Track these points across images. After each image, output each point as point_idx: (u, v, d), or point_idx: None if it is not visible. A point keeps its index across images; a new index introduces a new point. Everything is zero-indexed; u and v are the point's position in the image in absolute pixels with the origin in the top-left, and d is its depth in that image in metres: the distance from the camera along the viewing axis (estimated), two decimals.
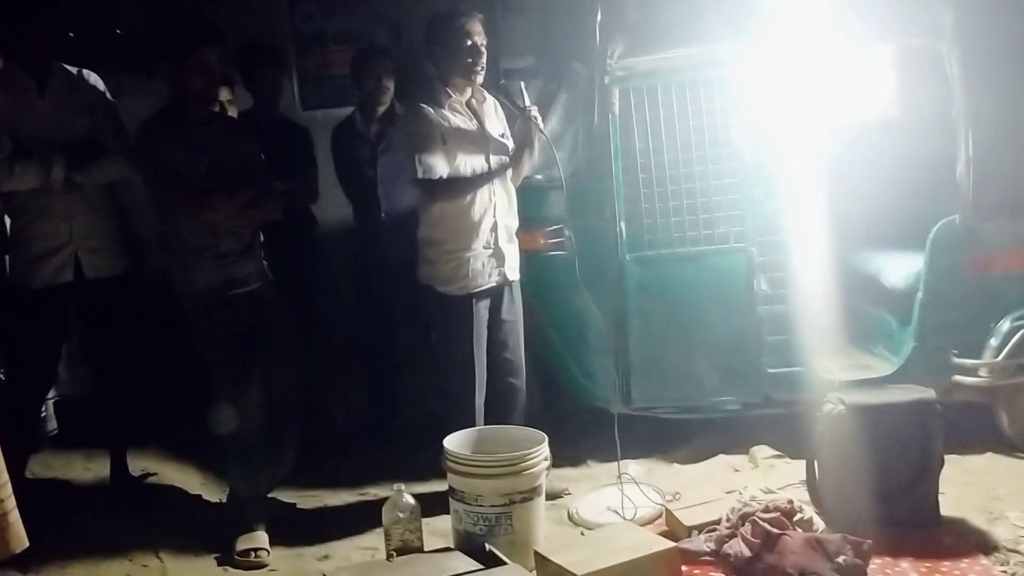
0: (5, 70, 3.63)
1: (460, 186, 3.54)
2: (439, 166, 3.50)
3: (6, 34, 3.59)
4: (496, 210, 3.60)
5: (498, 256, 3.61)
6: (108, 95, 3.80)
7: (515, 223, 3.69)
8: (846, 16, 3.76)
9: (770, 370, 3.82)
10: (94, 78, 3.78)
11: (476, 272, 3.58)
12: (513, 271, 3.68)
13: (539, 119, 3.56)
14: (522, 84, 3.63)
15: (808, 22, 3.72)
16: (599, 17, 3.84)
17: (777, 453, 3.81)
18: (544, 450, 3.28)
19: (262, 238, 3.64)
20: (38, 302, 3.62)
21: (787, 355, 3.78)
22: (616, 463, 3.55)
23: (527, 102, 3.56)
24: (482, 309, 3.61)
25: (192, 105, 3.41)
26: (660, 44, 3.94)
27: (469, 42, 3.48)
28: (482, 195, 3.57)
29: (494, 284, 3.62)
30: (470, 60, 3.50)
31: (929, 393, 3.24)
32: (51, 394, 4.24)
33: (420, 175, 3.51)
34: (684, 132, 3.85)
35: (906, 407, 3.21)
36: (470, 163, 3.55)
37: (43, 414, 4.19)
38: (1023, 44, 3.62)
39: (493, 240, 3.60)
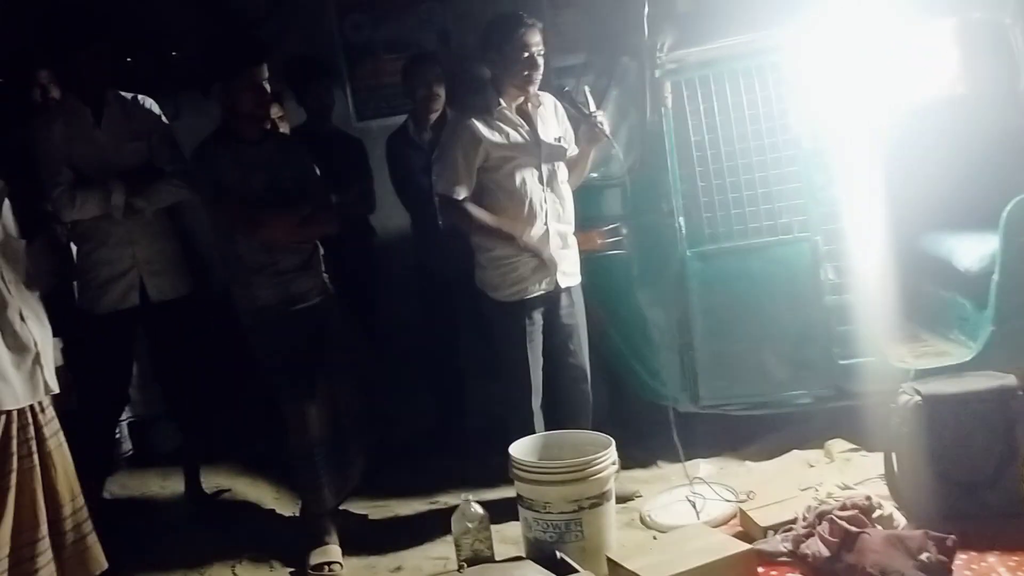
0: (62, 101, 3.70)
1: (472, 221, 3.51)
2: (459, 186, 3.48)
3: (61, 65, 3.66)
4: (547, 216, 3.55)
5: (549, 264, 3.56)
6: (164, 119, 3.86)
7: (569, 228, 3.65)
8: None
9: (841, 361, 3.71)
10: (149, 103, 3.84)
11: (525, 278, 3.54)
12: (568, 277, 3.63)
13: (605, 124, 3.50)
14: (587, 89, 3.57)
15: (862, 1, 3.62)
16: (647, 9, 3.77)
17: (853, 447, 3.69)
18: (611, 454, 3.23)
19: (322, 252, 3.67)
20: (106, 326, 3.69)
21: (858, 345, 3.67)
22: (688, 463, 3.50)
23: (592, 107, 3.50)
24: (535, 315, 3.58)
25: (244, 124, 3.46)
26: (710, 34, 3.86)
27: (526, 53, 3.42)
28: (532, 200, 3.53)
29: (546, 291, 3.58)
30: (526, 72, 3.45)
31: (1010, 379, 3.12)
32: (125, 416, 4.33)
33: (438, 189, 3.51)
34: (740, 122, 3.76)
35: (985, 395, 3.10)
36: (519, 173, 3.51)
37: (117, 436, 4.27)
38: None
39: (545, 247, 3.54)
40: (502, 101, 3.52)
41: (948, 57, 4.06)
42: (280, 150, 3.59)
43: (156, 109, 3.85)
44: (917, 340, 3.89)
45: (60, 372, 3.20)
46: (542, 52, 3.47)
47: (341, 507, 3.71)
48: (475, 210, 3.51)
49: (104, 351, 3.71)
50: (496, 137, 3.49)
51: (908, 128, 3.96)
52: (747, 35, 3.79)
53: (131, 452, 4.49)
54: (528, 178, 3.53)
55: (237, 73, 3.37)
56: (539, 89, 3.57)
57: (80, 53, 3.59)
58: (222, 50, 3.51)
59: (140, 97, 3.82)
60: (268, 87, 3.45)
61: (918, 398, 3.14)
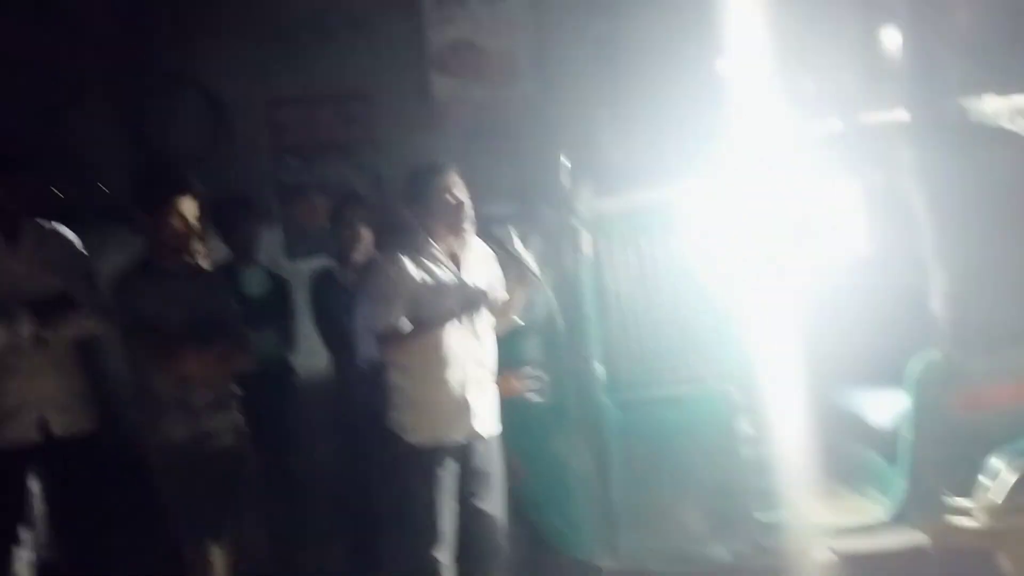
0: None
1: (414, 339, 3.50)
2: (393, 314, 3.47)
3: None
4: (468, 362, 3.54)
5: (465, 409, 3.54)
6: (82, 251, 3.81)
7: (489, 374, 3.64)
8: (809, 153, 3.82)
9: (759, 517, 3.68)
10: (69, 234, 3.80)
11: (441, 423, 3.50)
12: (484, 424, 3.60)
13: (531, 263, 3.56)
14: (512, 230, 3.64)
15: (772, 159, 3.78)
16: (565, 161, 3.89)
17: None
18: None
19: (237, 391, 3.60)
20: (1, 462, 3.53)
21: (775, 500, 3.65)
22: None
23: (518, 248, 3.55)
24: (449, 461, 3.53)
25: (167, 255, 3.44)
26: (629, 185, 3.98)
27: (449, 197, 3.50)
28: (450, 344, 3.52)
29: (462, 438, 3.54)
30: (453, 214, 3.51)
31: (921, 539, 3.12)
32: (29, 555, 4.06)
33: (379, 327, 3.51)
34: (657, 272, 3.84)
35: (898, 555, 3.09)
36: (439, 315, 3.51)
37: None
38: (984, 177, 3.65)
39: (461, 392, 3.53)
40: (433, 242, 3.55)
41: (855, 218, 4.24)
42: (200, 284, 3.57)
43: (75, 240, 3.81)
44: (834, 496, 3.89)
45: None
46: (465, 194, 3.54)
47: None
48: (410, 332, 3.49)
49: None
50: (421, 275, 3.51)
51: (819, 284, 4.07)
52: (665, 188, 3.92)
53: None
54: (450, 322, 3.53)
55: (163, 203, 3.37)
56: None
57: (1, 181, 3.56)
58: (148, 179, 3.54)
59: (59, 227, 3.78)
60: (193, 218, 3.44)
61: (833, 556, 3.11)
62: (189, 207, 3.43)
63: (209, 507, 3.40)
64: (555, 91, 5.52)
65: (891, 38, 4.98)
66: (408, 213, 3.66)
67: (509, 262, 3.62)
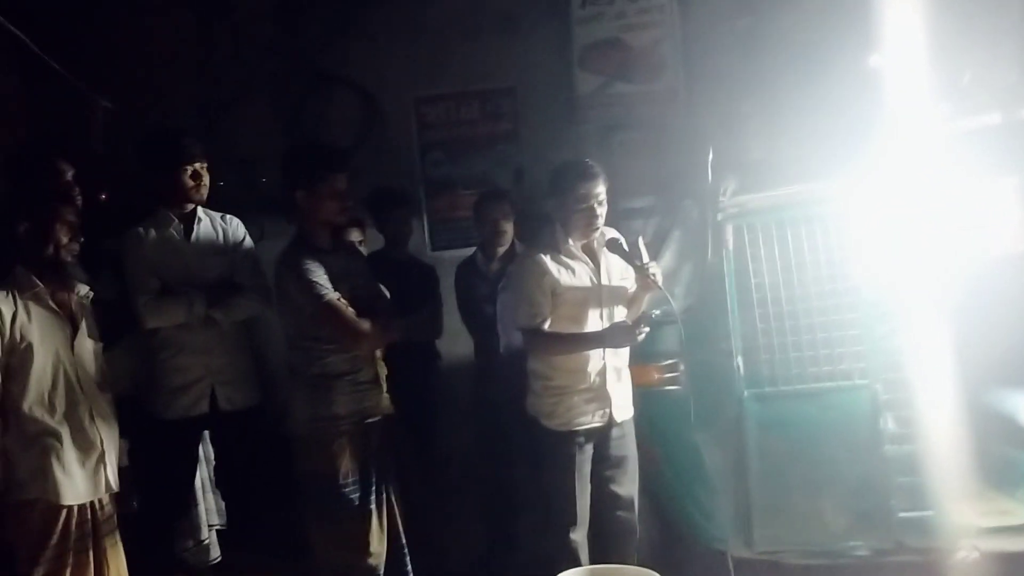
0: (158, 214, 3.94)
1: (560, 344, 3.58)
2: (540, 316, 3.56)
3: (160, 181, 3.91)
4: (606, 351, 3.61)
5: (603, 397, 3.61)
6: (248, 238, 4.07)
7: (624, 363, 3.70)
8: (963, 149, 3.72)
9: (900, 514, 3.62)
10: (236, 222, 4.06)
11: (579, 410, 3.59)
12: (621, 410, 3.67)
13: (658, 276, 3.56)
14: (640, 241, 3.66)
15: (924, 155, 3.70)
16: (711, 156, 3.91)
17: None
18: None
19: (386, 371, 3.75)
20: (173, 432, 3.80)
21: (918, 498, 3.59)
22: None
23: (645, 259, 3.57)
24: (585, 445, 3.60)
25: (320, 233, 3.56)
26: (774, 181, 3.97)
27: (585, 204, 3.54)
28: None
29: (599, 424, 3.61)
30: (586, 220, 3.57)
31: None
32: (216, 521, 4.34)
33: (521, 323, 3.59)
34: (801, 267, 3.81)
35: None
36: (582, 311, 3.60)
37: (206, 542, 4.26)
38: None
39: (600, 381, 3.61)
40: (569, 239, 3.63)
41: (1012, 215, 4.10)
42: (352, 258, 3.70)
43: (242, 228, 4.06)
44: (981, 497, 3.77)
45: (124, 473, 3.31)
46: (602, 201, 3.57)
47: None
48: (555, 334, 3.58)
49: (169, 456, 3.82)
50: (562, 273, 3.59)
51: (974, 283, 3.96)
52: (810, 183, 3.89)
53: (219, 560, 4.46)
54: (589, 314, 3.61)
55: (320, 179, 3.48)
56: (607, 226, 3.68)
57: (180, 171, 3.83)
58: (303, 158, 3.61)
59: (227, 216, 4.04)
60: (347, 195, 3.55)
61: (976, 555, 3.04)
62: (343, 184, 3.53)
63: (368, 479, 3.52)
64: (700, 86, 5.51)
65: None
66: (549, 208, 3.74)
67: (635, 271, 3.64)
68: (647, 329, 3.56)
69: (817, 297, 3.79)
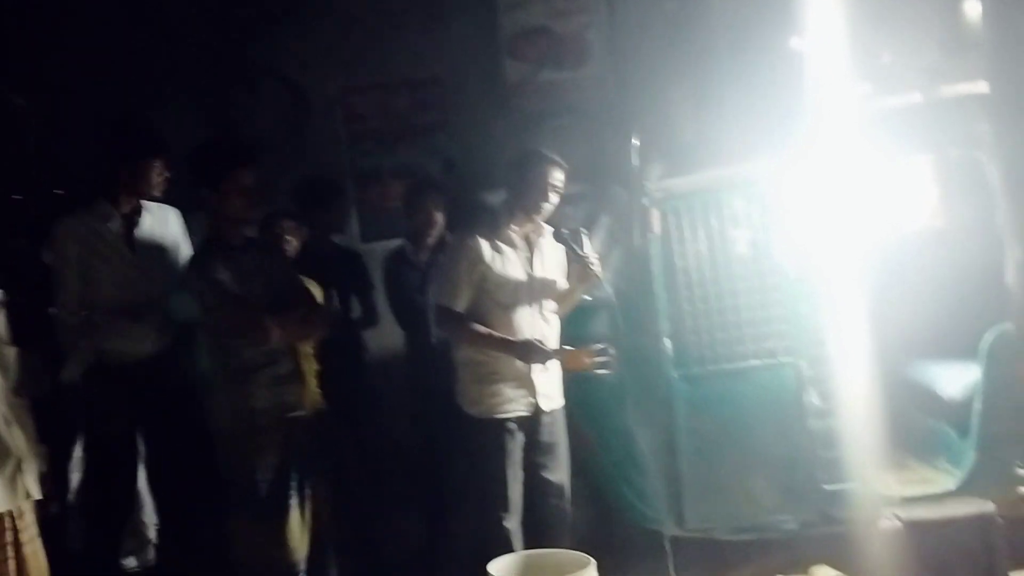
0: (91, 207, 3.81)
1: (473, 338, 3.61)
2: (459, 299, 3.58)
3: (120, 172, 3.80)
4: (533, 340, 3.63)
5: (528, 386, 3.64)
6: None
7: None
8: (883, 128, 3.80)
9: (826, 487, 3.69)
10: (173, 214, 4.00)
11: (502, 397, 3.61)
12: (547, 399, 3.70)
13: (598, 267, 3.63)
14: (583, 232, 3.71)
15: (845, 134, 3.76)
16: (636, 140, 3.94)
17: (839, 573, 3.64)
18: (590, 575, 3.21)
19: (317, 366, 3.73)
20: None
21: (843, 471, 3.66)
22: None
23: (587, 250, 3.63)
24: (516, 433, 3.63)
25: (231, 229, 3.51)
26: (697, 163, 4.02)
27: (546, 182, 3.60)
28: (520, 324, 3.63)
29: (523, 412, 3.64)
30: (542, 202, 3.62)
31: (989, 507, 3.11)
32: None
33: (438, 300, 3.60)
34: (725, 249, 3.87)
35: (965, 522, 3.09)
36: (513, 301, 3.63)
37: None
38: None
39: (525, 370, 3.63)
40: (512, 224, 3.66)
41: (928, 192, 4.19)
42: (266, 254, 3.67)
43: (179, 222, 3.99)
44: (903, 467, 3.87)
45: (44, 479, 3.24)
46: (558, 188, 3.64)
47: None
48: (471, 323, 3.60)
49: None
50: (495, 259, 3.61)
51: (891, 258, 4.05)
52: (731, 166, 3.94)
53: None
54: (519, 303, 3.64)
55: (226, 176, 3.43)
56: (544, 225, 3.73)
57: (149, 164, 3.77)
58: (207, 154, 3.56)
59: (164, 207, 3.97)
60: (255, 190, 3.51)
61: (898, 523, 3.12)
62: (250, 178, 3.48)
63: (288, 477, 3.50)
64: (627, 72, 5.54)
65: (972, 8, 4.88)
66: (486, 196, 3.75)
67: (575, 260, 3.68)
68: (556, 361, 3.66)
69: (742, 278, 3.85)
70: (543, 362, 3.61)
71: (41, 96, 5.10)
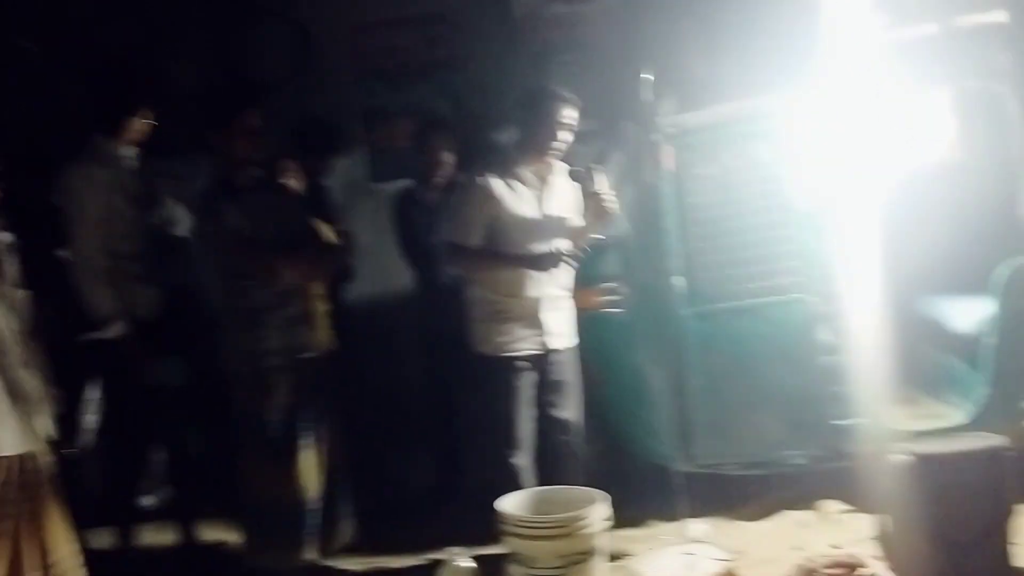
0: (102, 149, 3.79)
1: (482, 261, 3.60)
2: (471, 236, 3.57)
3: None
4: (542, 279, 3.63)
5: (537, 325, 3.64)
6: None
7: (564, 292, 3.72)
8: (899, 60, 3.72)
9: (835, 422, 3.70)
10: None
11: (512, 335, 3.62)
12: (557, 338, 3.69)
13: (613, 203, 3.59)
14: (596, 168, 3.67)
15: (860, 67, 3.69)
16: (648, 75, 3.88)
17: (847, 507, 3.68)
18: (600, 510, 3.24)
19: (327, 306, 3.73)
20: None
21: (853, 406, 3.65)
22: (680, 523, 3.49)
23: (601, 186, 3.59)
24: (525, 371, 3.64)
25: (240, 170, 3.50)
26: (709, 99, 3.96)
27: (556, 121, 3.56)
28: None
29: (533, 351, 3.64)
30: (554, 140, 3.58)
31: (999, 440, 3.11)
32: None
33: (449, 237, 3.59)
34: (736, 185, 3.83)
35: (975, 456, 3.08)
36: (522, 235, 3.61)
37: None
38: None
39: (534, 309, 3.63)
40: (523, 162, 3.63)
41: (944, 124, 4.12)
42: (276, 194, 3.66)
43: None
44: (913, 402, 3.87)
45: (60, 421, 3.27)
46: (569, 127, 3.59)
47: (327, 563, 3.71)
48: (481, 250, 3.60)
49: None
50: (508, 196, 3.59)
51: (904, 193, 3.98)
52: (744, 101, 3.88)
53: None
54: (532, 242, 3.62)
55: (232, 117, 3.42)
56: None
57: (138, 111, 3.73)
58: (213, 96, 3.55)
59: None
60: (262, 130, 3.49)
61: (909, 458, 3.12)
62: (257, 118, 3.46)
63: (300, 415, 3.52)
64: (638, 5, 5.43)
65: None
66: (497, 136, 3.71)
67: (590, 197, 3.64)
68: (574, 263, 3.63)
69: (753, 214, 3.82)
70: (556, 266, 3.59)
71: (48, 40, 5.05)
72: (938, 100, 4.15)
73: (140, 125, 3.75)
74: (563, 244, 3.70)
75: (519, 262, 3.58)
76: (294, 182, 4.26)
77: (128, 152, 3.79)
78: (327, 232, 3.75)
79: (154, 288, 3.80)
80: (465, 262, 3.65)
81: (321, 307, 3.74)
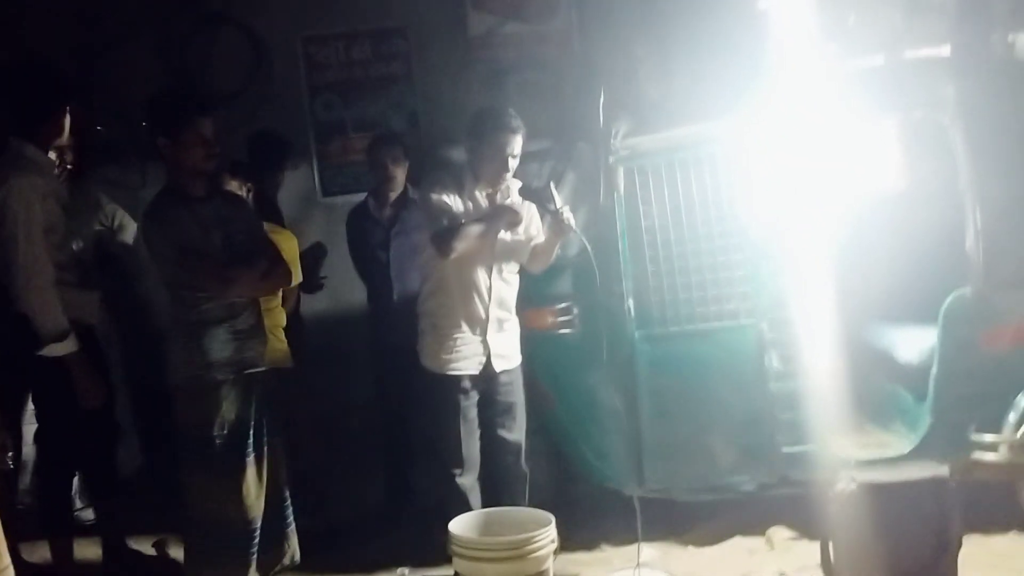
0: (27, 154, 3.65)
1: (467, 231, 3.54)
2: (453, 216, 3.54)
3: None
4: (491, 300, 3.64)
5: (484, 346, 3.64)
6: None
7: (509, 314, 3.72)
8: (848, 90, 3.79)
9: (784, 449, 3.73)
10: None
11: (457, 354, 3.62)
12: (502, 360, 3.69)
13: (571, 219, 3.58)
14: (552, 185, 3.64)
15: (810, 95, 3.75)
16: (602, 98, 3.89)
17: (795, 534, 3.71)
18: (549, 533, 3.23)
19: (285, 321, 3.67)
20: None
21: (801, 433, 3.70)
22: (630, 547, 3.49)
23: (558, 204, 3.57)
24: (470, 390, 3.63)
25: (190, 180, 3.41)
26: (664, 122, 3.99)
27: (503, 155, 3.55)
28: (479, 283, 3.62)
29: (475, 372, 3.64)
30: (498, 171, 3.59)
31: (942, 470, 3.15)
32: None
33: (432, 231, 3.55)
34: (690, 209, 3.86)
35: (918, 485, 3.10)
36: (472, 261, 3.60)
37: None
38: None
39: (482, 330, 3.63)
40: (477, 182, 3.63)
41: (891, 154, 4.20)
42: (229, 205, 3.58)
43: None
44: (860, 430, 3.92)
45: None
46: (516, 155, 3.58)
47: None
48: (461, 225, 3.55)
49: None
50: (462, 218, 3.57)
51: (852, 221, 4.06)
52: (697, 125, 3.91)
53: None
54: (479, 263, 3.62)
55: (184, 125, 3.33)
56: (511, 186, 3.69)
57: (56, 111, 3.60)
58: (164, 103, 3.45)
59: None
60: (214, 140, 3.39)
61: (854, 486, 3.15)
62: (209, 128, 3.37)
63: (244, 432, 3.43)
64: (594, 27, 5.47)
65: None
66: (452, 152, 3.69)
67: (547, 215, 3.64)
68: (514, 321, 3.69)
69: (705, 238, 3.85)
70: (516, 222, 3.61)
71: None
72: (884, 130, 4.23)
73: (63, 128, 3.62)
74: (511, 267, 3.70)
75: (487, 225, 3.57)
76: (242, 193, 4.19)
77: (53, 156, 3.68)
78: (290, 245, 3.69)
79: (93, 294, 3.70)
80: (452, 238, 3.53)
81: (279, 320, 3.67)
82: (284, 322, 3.99)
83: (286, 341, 3.87)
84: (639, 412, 3.82)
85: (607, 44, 5.30)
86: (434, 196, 3.59)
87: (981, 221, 3.61)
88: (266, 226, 3.82)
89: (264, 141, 4.55)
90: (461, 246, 3.53)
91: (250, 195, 4.20)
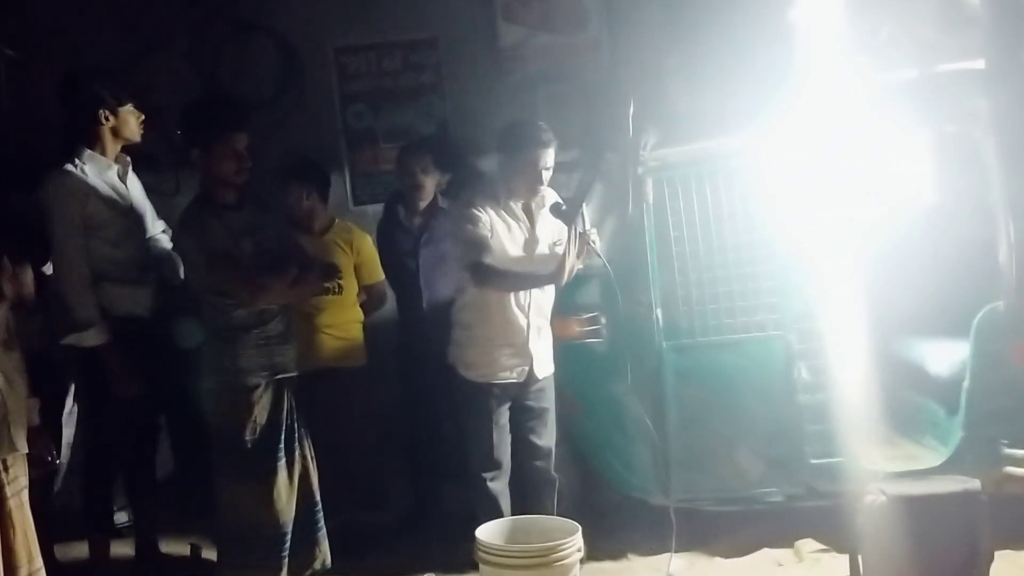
0: (83, 155, 3.75)
1: (506, 275, 3.58)
2: (485, 253, 3.56)
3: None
4: (531, 309, 3.65)
5: (524, 354, 3.65)
6: None
7: (546, 320, 3.74)
8: (880, 104, 3.78)
9: (812, 460, 3.73)
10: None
11: (500, 364, 3.63)
12: (542, 366, 3.70)
13: (597, 243, 3.58)
14: (584, 210, 3.65)
15: (843, 109, 3.75)
16: (632, 109, 3.91)
17: (823, 547, 3.69)
18: (576, 541, 3.23)
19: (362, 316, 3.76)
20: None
21: (830, 445, 3.69)
22: (656, 557, 3.48)
23: (586, 226, 3.58)
24: (504, 396, 3.64)
25: (224, 190, 3.48)
26: (694, 134, 4.00)
27: (534, 169, 3.56)
28: (518, 294, 3.63)
29: (516, 379, 3.65)
30: (530, 185, 3.60)
31: (974, 484, 3.13)
32: None
33: (468, 259, 3.56)
34: (719, 220, 3.87)
35: (949, 499, 3.10)
36: (511, 266, 3.61)
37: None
38: None
39: (523, 338, 3.64)
40: (511, 194, 3.64)
41: (923, 168, 4.19)
42: (261, 214, 3.63)
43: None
44: (889, 443, 3.90)
45: (36, 433, 3.22)
46: (550, 168, 3.59)
47: None
48: (506, 271, 3.58)
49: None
50: (497, 230, 3.60)
51: (884, 234, 4.05)
52: (727, 137, 3.92)
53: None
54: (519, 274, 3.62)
55: (218, 138, 3.39)
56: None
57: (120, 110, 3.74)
58: (203, 115, 3.51)
59: None
60: (247, 153, 3.46)
61: (884, 499, 3.14)
62: (243, 141, 3.44)
63: (276, 438, 3.48)
64: (624, 38, 5.48)
65: None
66: (483, 162, 3.71)
67: (576, 237, 3.63)
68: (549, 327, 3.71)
69: (734, 249, 3.86)
70: (567, 275, 3.56)
71: (31, 49, 5.01)
72: (917, 144, 4.22)
73: (125, 130, 3.73)
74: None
75: (536, 281, 3.59)
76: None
77: (111, 158, 3.75)
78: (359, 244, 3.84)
79: (147, 289, 3.79)
80: (494, 279, 3.57)
81: (356, 316, 3.94)
82: (361, 317, 4.18)
83: (362, 337, 4.09)
84: (666, 422, 3.82)
85: (636, 56, 5.31)
86: (469, 227, 3.58)
87: (1014, 235, 3.59)
88: (343, 225, 4.19)
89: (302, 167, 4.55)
90: (498, 288, 3.58)
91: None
